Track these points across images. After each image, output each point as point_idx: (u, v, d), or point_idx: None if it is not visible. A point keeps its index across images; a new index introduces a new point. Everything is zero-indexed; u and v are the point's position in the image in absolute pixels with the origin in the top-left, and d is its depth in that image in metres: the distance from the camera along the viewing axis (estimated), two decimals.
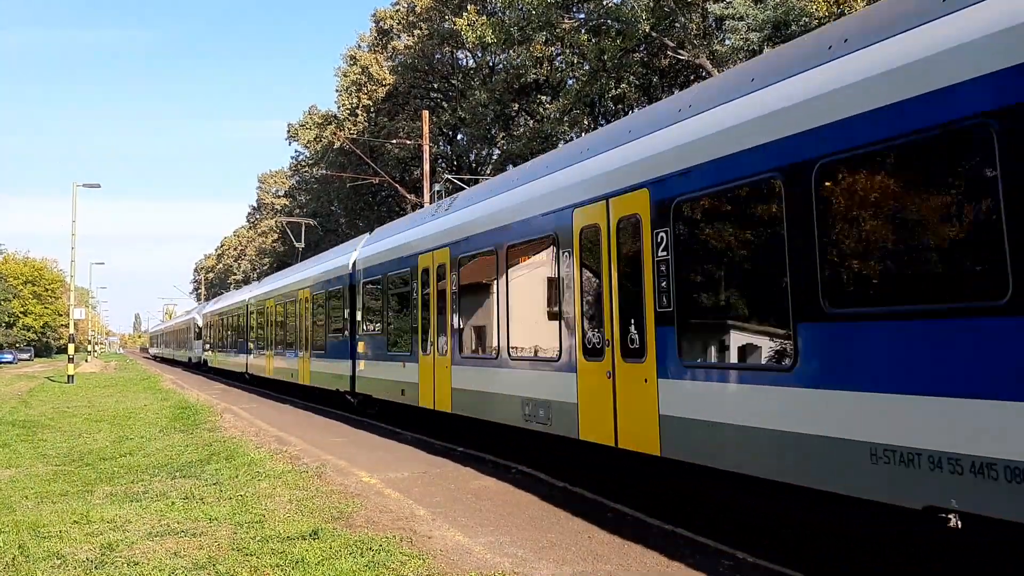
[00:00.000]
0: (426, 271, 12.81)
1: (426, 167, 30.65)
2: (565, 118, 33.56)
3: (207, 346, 43.28)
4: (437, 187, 32.37)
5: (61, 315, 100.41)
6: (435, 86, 46.96)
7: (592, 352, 8.19)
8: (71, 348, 39.26)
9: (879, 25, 5.29)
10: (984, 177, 4.42)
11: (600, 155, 8.45)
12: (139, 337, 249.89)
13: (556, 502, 8.52)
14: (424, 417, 14.15)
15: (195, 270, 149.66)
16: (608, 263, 7.98)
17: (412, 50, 45.24)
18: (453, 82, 46.35)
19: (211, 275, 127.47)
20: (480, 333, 11.20)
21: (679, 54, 29.05)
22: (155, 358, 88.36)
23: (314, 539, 6.93)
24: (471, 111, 40.63)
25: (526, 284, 10.11)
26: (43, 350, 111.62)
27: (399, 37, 48.02)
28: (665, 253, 6.94)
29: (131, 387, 32.59)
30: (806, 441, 5.42)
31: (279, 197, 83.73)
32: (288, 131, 60.97)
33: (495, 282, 10.48)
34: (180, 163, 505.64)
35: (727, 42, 26.83)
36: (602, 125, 35.55)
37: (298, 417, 18.84)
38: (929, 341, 4.61)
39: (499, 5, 34.32)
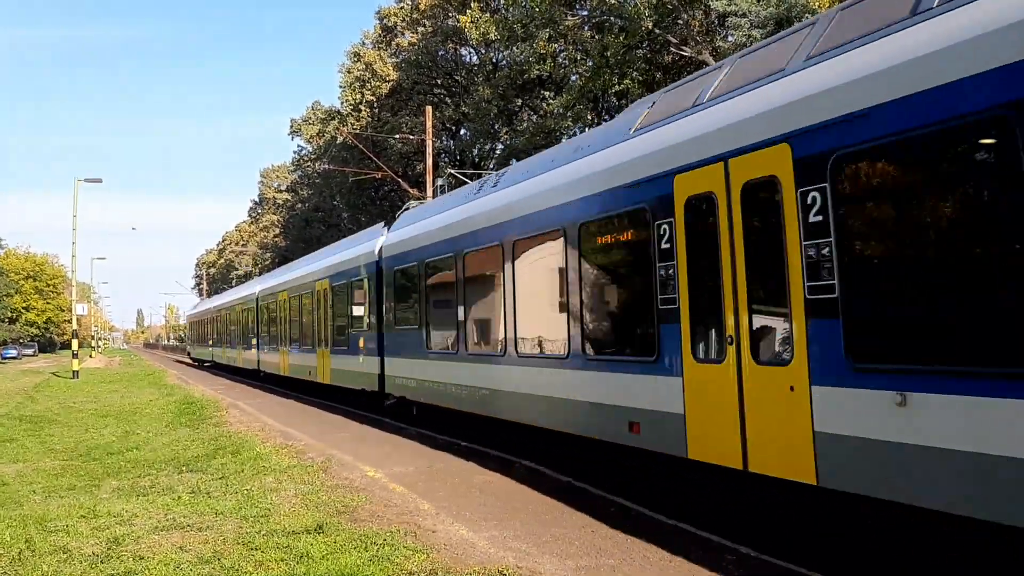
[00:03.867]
0: (702, 203, 6.86)
1: (429, 162, 30.70)
2: (568, 113, 33.57)
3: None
4: (440, 182, 32.37)
5: (63, 310, 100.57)
6: (439, 82, 46.96)
7: None
8: (75, 344, 39.40)
9: None
10: None
11: None
12: (143, 332, 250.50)
13: (560, 497, 8.56)
14: (426, 412, 14.19)
15: (197, 265, 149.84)
16: None
17: (416, 47, 45.26)
18: (456, 78, 46.36)
19: (213, 270, 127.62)
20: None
21: (682, 50, 29.02)
22: (201, 364, 49.78)
23: (319, 533, 6.97)
24: (474, 106, 40.66)
25: None
26: (46, 345, 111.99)
27: (403, 34, 48.02)
28: None
29: (136, 383, 32.68)
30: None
31: (281, 192, 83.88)
32: (291, 126, 61.16)
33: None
34: (182, 158, 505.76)
35: (730, 38, 26.81)
36: (605, 120, 35.61)
37: (303, 413, 18.89)
38: None
39: (503, 2, 34.32)
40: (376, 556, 6.29)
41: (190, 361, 58.02)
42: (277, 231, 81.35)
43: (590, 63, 31.64)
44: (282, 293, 24.65)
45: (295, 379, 23.53)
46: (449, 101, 45.82)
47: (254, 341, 30.15)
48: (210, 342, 44.46)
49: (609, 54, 29.37)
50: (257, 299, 29.43)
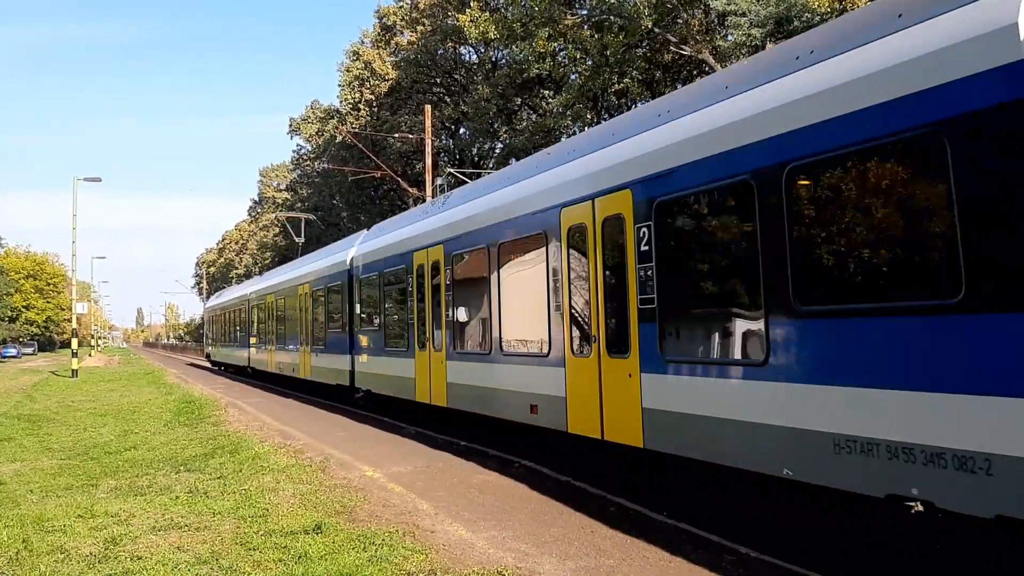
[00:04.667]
0: None
1: (428, 161, 30.65)
2: (568, 112, 33.54)
3: None
4: (440, 181, 32.37)
5: (63, 309, 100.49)
6: (438, 81, 46.93)
7: None
8: (74, 343, 39.38)
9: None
10: None
11: None
12: (143, 331, 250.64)
13: (559, 497, 8.54)
14: (430, 412, 14.16)
15: (197, 264, 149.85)
16: None
17: (415, 45, 45.24)
18: (456, 77, 46.34)
19: (213, 269, 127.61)
20: None
21: (682, 49, 29.00)
22: (223, 370, 40.66)
23: (317, 533, 6.95)
24: (474, 105, 40.64)
25: None
26: (46, 344, 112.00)
27: (402, 33, 48.01)
28: None
29: (135, 381, 32.65)
30: None
31: (280, 191, 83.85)
32: (290, 125, 61.10)
33: None
34: (181, 157, 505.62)
35: (730, 38, 26.79)
36: (605, 119, 35.60)
37: (302, 411, 18.86)
38: None
39: (502, 1, 34.31)
40: (375, 556, 6.28)
41: (209, 365, 45.99)
42: (277, 230, 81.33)
43: (590, 62, 31.58)
44: (424, 253, 13.47)
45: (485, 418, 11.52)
46: (448, 100, 45.79)
47: (344, 339, 18.09)
48: (248, 341, 31.05)
49: (609, 53, 29.34)
50: (351, 271, 17.81)
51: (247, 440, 13.00)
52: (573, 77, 34.03)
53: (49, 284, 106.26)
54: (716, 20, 28.95)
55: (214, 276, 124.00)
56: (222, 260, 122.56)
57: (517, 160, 30.36)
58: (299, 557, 6.29)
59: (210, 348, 44.64)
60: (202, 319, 45.80)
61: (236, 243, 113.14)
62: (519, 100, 41.54)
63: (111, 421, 17.22)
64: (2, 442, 14.02)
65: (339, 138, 46.97)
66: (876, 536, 6.26)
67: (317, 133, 56.04)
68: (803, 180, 5.97)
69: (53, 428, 16.20)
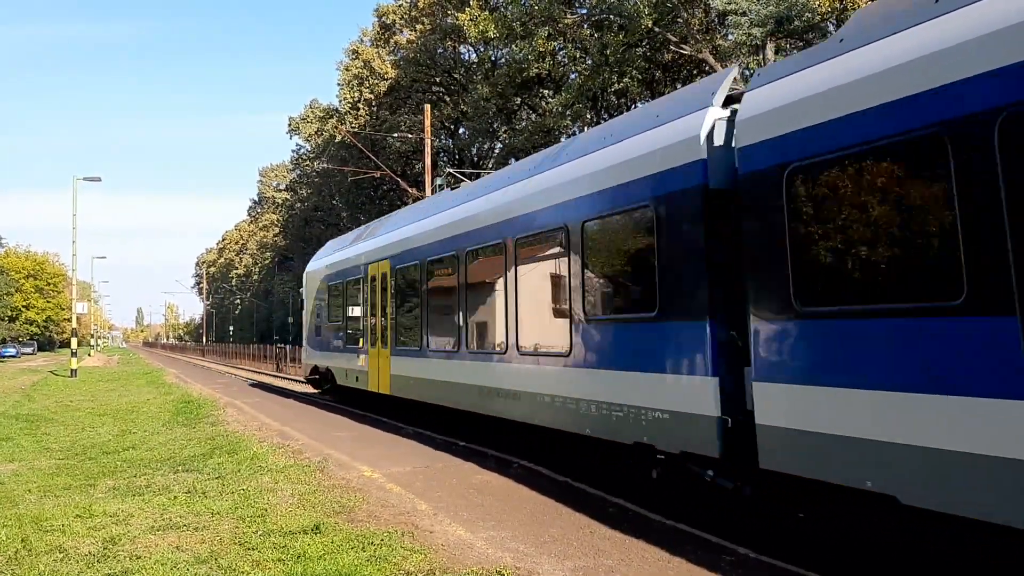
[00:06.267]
0: None
1: (428, 161, 30.63)
2: (568, 112, 33.53)
3: None
4: (439, 181, 32.37)
5: (64, 309, 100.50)
6: (437, 80, 46.92)
7: None
8: (74, 342, 39.34)
9: None
10: None
11: None
12: (142, 331, 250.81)
13: (558, 497, 8.52)
14: (436, 412, 14.15)
15: (197, 264, 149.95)
16: None
17: (414, 44, 45.23)
18: (455, 76, 46.34)
19: (213, 269, 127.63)
20: None
21: (682, 49, 29.00)
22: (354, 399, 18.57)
23: (316, 533, 6.94)
24: (473, 105, 40.62)
25: None
26: (46, 344, 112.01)
27: (401, 32, 48.00)
28: None
29: (134, 381, 32.63)
30: None
31: (280, 191, 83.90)
32: (289, 125, 61.10)
33: None
34: (181, 157, 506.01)
35: (730, 37, 26.80)
36: (605, 119, 35.57)
37: (301, 411, 18.83)
38: None
39: (501, 0, 34.30)
40: (373, 556, 6.26)
41: (312, 389, 23.03)
42: (277, 230, 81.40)
43: (589, 61, 31.60)
44: None
45: None
46: (448, 99, 45.81)
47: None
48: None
49: (608, 52, 29.35)
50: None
51: (246, 440, 12.98)
52: (573, 76, 34.05)
53: (49, 284, 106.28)
54: (716, 19, 28.97)
55: (214, 276, 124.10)
56: (222, 260, 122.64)
57: (517, 160, 30.27)
58: (298, 557, 6.28)
59: (325, 358, 19.79)
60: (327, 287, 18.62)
61: (236, 243, 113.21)
62: (519, 100, 41.53)
63: (109, 421, 17.19)
64: (0, 442, 14.00)
65: (338, 138, 46.97)
66: (876, 537, 6.25)
67: (316, 133, 56.08)
68: None
69: (51, 428, 16.17)
